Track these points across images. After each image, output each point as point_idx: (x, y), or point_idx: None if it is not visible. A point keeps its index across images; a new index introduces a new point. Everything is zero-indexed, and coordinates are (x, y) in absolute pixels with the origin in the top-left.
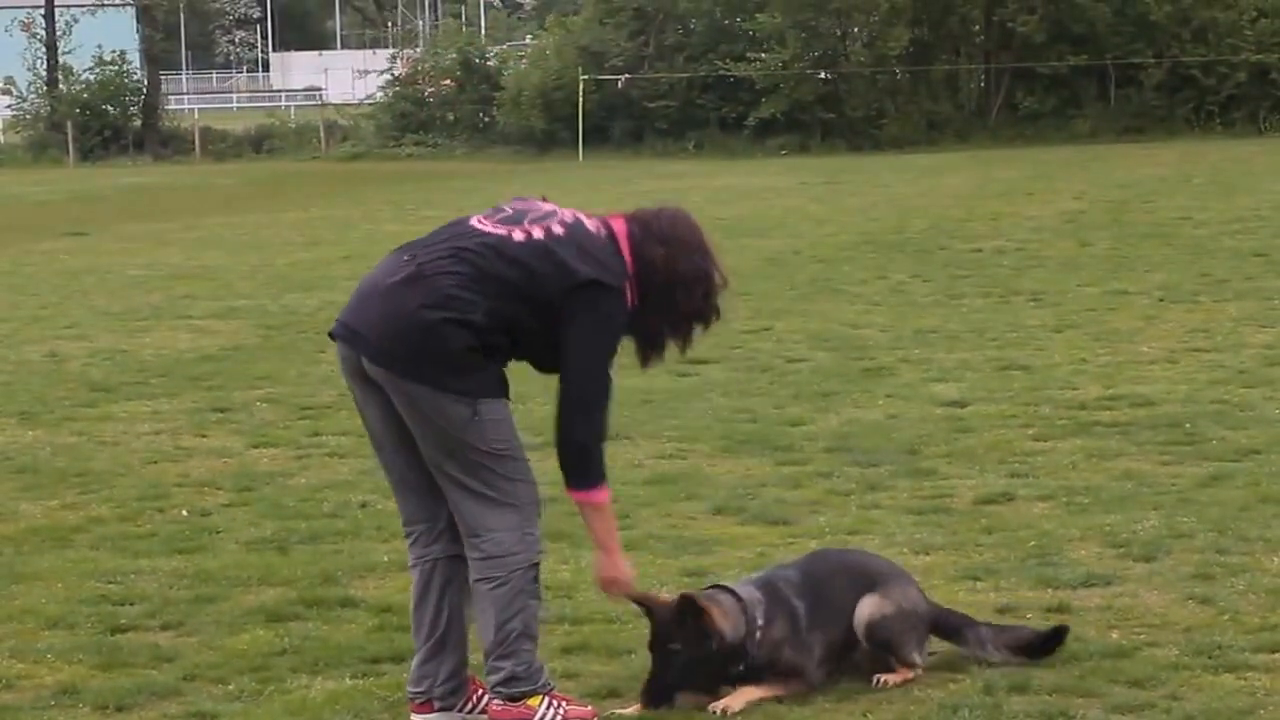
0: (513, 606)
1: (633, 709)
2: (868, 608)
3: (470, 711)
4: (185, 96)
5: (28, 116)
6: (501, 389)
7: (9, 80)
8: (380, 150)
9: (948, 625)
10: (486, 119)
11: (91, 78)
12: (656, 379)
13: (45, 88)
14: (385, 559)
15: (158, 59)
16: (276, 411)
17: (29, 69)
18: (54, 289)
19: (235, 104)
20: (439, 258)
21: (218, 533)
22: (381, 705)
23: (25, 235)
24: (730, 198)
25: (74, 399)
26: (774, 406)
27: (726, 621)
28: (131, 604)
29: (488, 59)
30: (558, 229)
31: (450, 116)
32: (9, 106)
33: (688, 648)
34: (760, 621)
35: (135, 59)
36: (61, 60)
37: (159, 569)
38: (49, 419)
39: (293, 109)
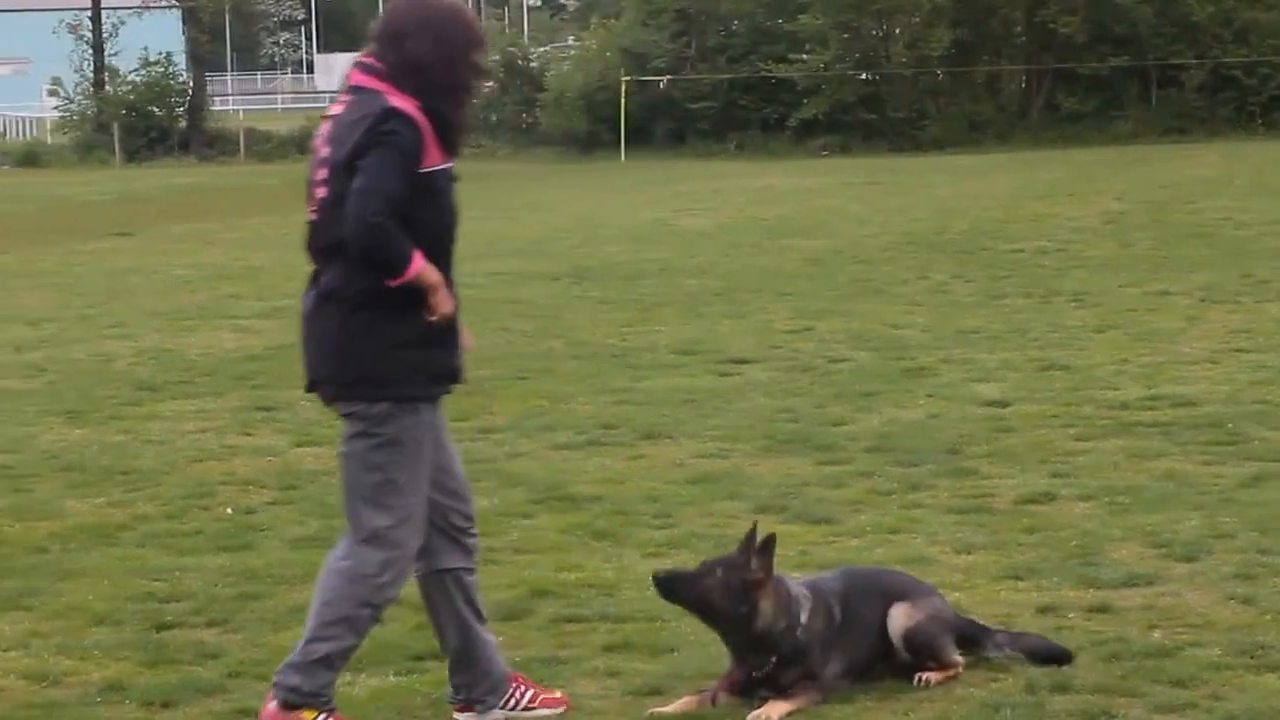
0: (331, 629)
1: (673, 707)
2: (901, 616)
3: (514, 709)
4: (230, 98)
5: (75, 118)
6: None
7: (56, 81)
8: None
9: (968, 636)
10: (529, 120)
11: (138, 79)
12: (699, 379)
13: (92, 89)
14: None
15: (203, 60)
16: (321, 410)
17: (76, 70)
18: (100, 289)
19: (280, 105)
20: None
21: (262, 530)
22: (424, 702)
23: (72, 235)
24: (772, 198)
25: (120, 398)
26: (816, 406)
27: (772, 605)
28: (177, 601)
29: (530, 60)
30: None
31: (493, 118)
32: (56, 108)
33: (726, 577)
34: (803, 619)
35: (181, 60)
36: (108, 62)
37: (204, 566)
38: (96, 418)
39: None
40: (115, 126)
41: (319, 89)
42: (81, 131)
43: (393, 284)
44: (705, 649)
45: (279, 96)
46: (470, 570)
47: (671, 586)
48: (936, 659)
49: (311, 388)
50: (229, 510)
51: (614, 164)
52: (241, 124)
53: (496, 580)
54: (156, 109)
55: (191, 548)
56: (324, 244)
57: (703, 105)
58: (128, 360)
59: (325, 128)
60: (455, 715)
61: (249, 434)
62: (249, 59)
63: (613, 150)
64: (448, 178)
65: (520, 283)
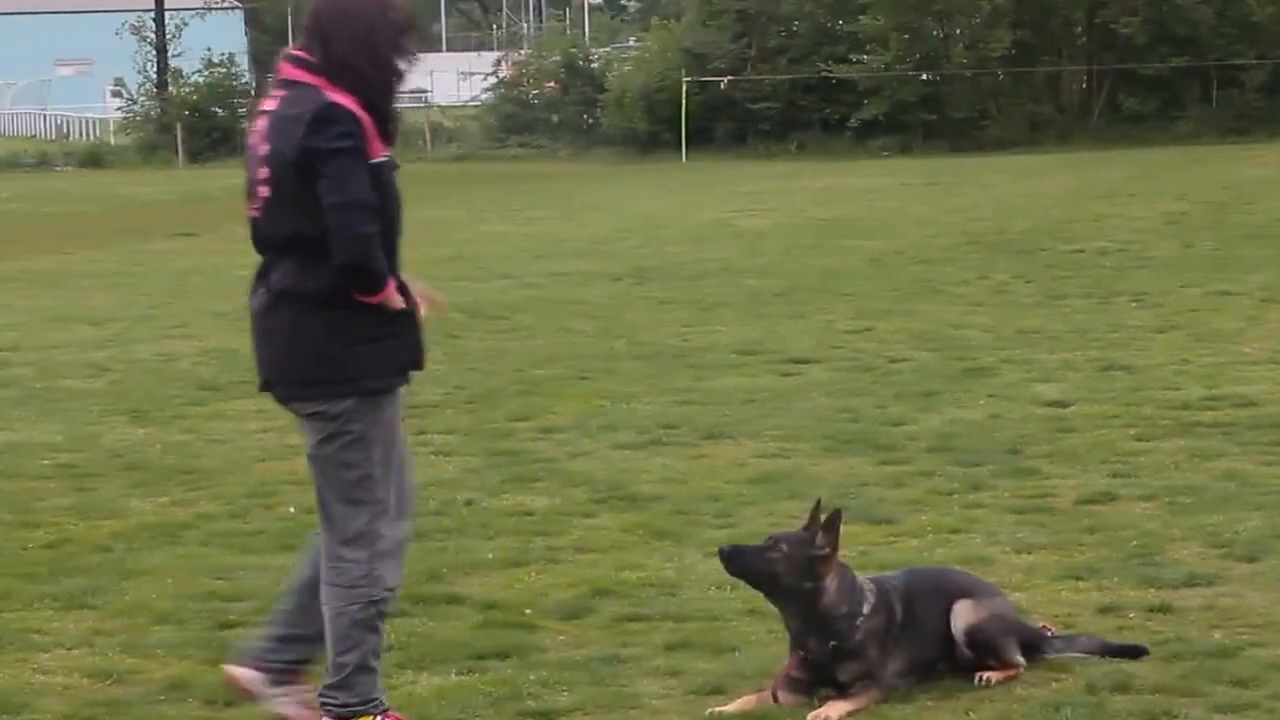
0: (348, 639)
1: (733, 706)
2: (963, 615)
3: (283, 697)
4: None
5: (138, 118)
6: None
7: (119, 82)
8: (485, 151)
9: (1029, 641)
10: (590, 121)
11: (200, 80)
12: (760, 379)
13: (155, 90)
14: (490, 556)
15: (266, 62)
16: None
17: (139, 71)
18: (164, 289)
19: None
20: None
21: None
22: (487, 701)
23: (136, 236)
24: (833, 199)
25: (184, 397)
26: (876, 406)
27: (836, 584)
28: (240, 600)
29: (591, 61)
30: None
31: (554, 118)
32: (120, 108)
33: (791, 551)
34: (865, 610)
35: (243, 62)
36: (171, 63)
37: (267, 565)
38: (159, 417)
39: (398, 111)
40: (178, 127)
41: None
42: (145, 132)
43: (365, 300)
44: (766, 648)
45: None
46: None
47: (737, 560)
48: (998, 658)
49: (266, 388)
50: (291, 509)
51: (675, 164)
52: None
53: (557, 579)
54: (219, 110)
55: (254, 547)
56: (270, 242)
57: (763, 106)
58: (191, 360)
59: (261, 124)
60: (235, 670)
61: None
62: None
63: (673, 151)
64: (391, 168)
65: (582, 283)
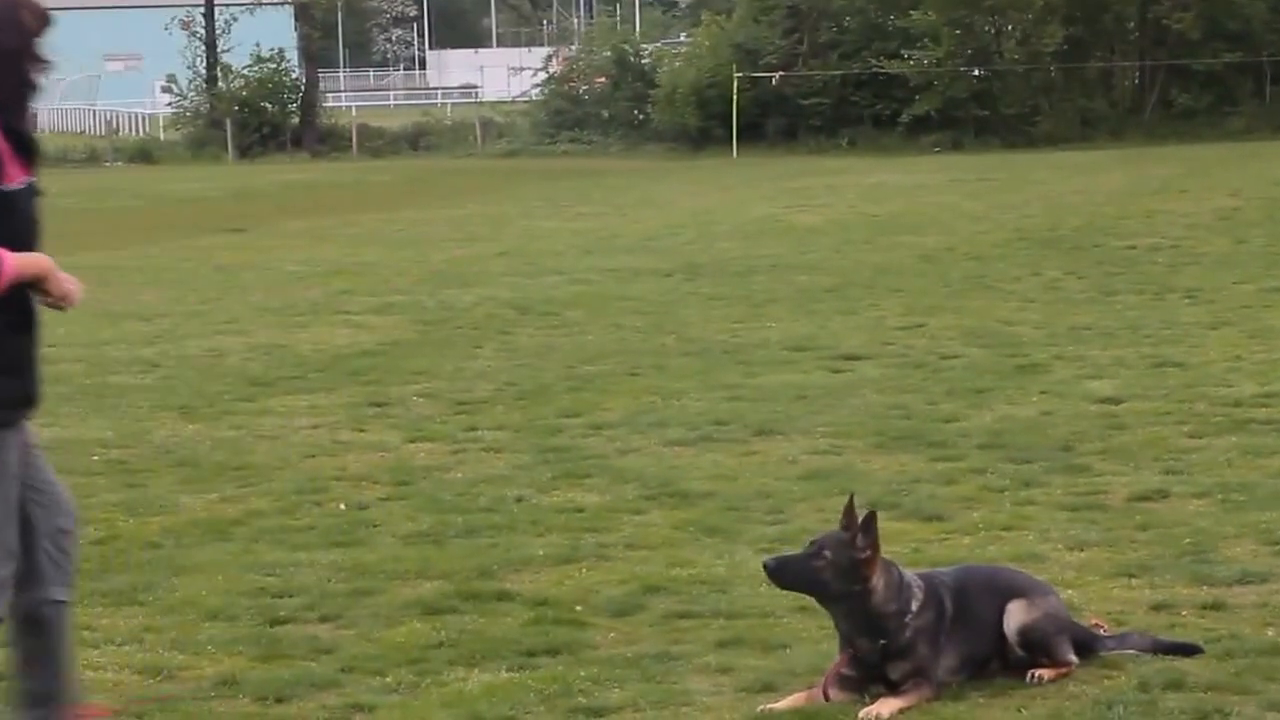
0: None
1: (784, 704)
2: (1017, 614)
3: None
4: (343, 94)
5: (188, 114)
6: None
7: (170, 78)
8: (535, 147)
9: (1081, 640)
10: (641, 116)
11: (250, 75)
12: (811, 375)
13: (205, 85)
14: (541, 553)
15: (315, 57)
16: (433, 406)
17: (189, 67)
18: (213, 285)
19: (392, 101)
20: None
21: (375, 526)
22: (538, 698)
23: (186, 231)
24: (884, 195)
25: (233, 393)
26: (928, 403)
27: (883, 582)
28: (290, 596)
29: (642, 57)
30: None
31: (605, 114)
32: (169, 104)
33: (835, 557)
34: (914, 607)
35: (293, 57)
36: (221, 58)
37: (317, 562)
38: (209, 413)
39: (449, 106)
40: (228, 123)
41: (431, 85)
42: (194, 128)
43: None
44: (817, 645)
45: (391, 93)
46: (69, 604)
47: (784, 573)
48: (1051, 657)
49: None
50: (342, 506)
51: (726, 160)
52: (354, 120)
53: (608, 576)
54: (269, 105)
55: (304, 543)
56: None
57: (814, 101)
58: (241, 356)
59: None
60: None
61: (361, 430)
62: (361, 55)
63: (724, 146)
64: (29, 195)
65: (632, 279)
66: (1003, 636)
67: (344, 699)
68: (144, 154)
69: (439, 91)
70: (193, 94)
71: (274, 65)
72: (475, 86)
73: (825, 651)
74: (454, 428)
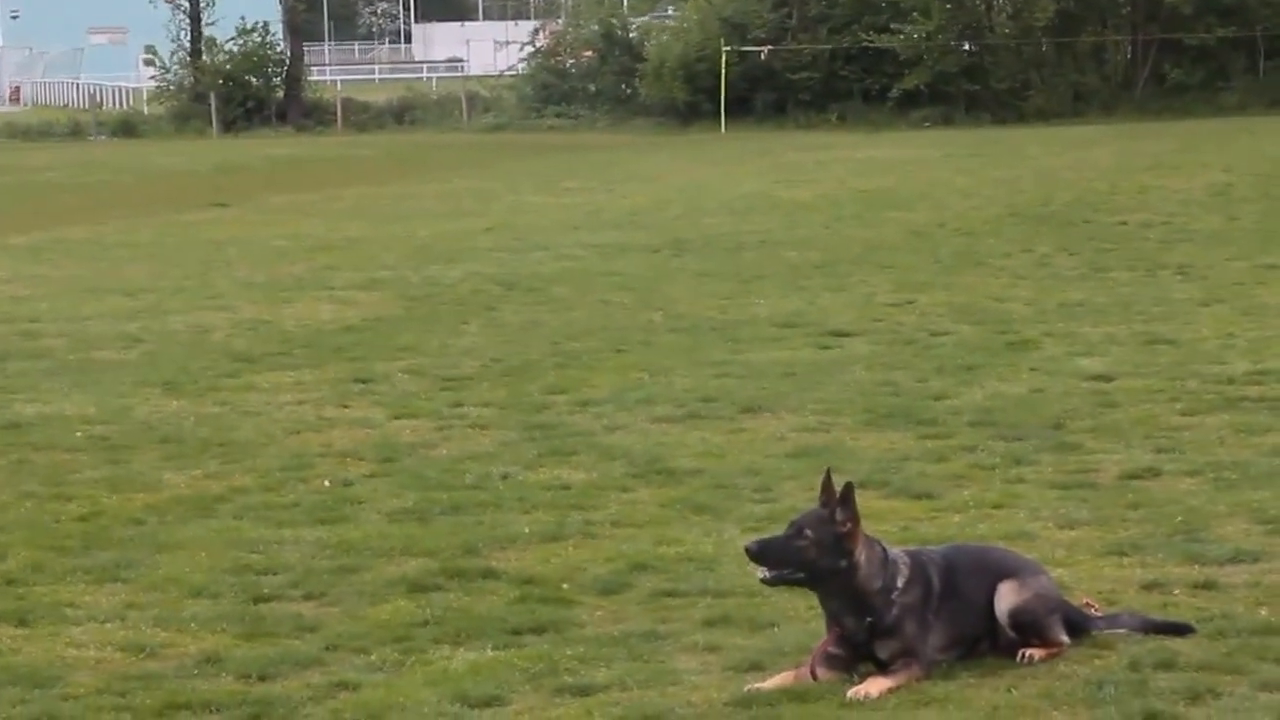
0: None
1: (771, 683)
2: (1008, 595)
3: None
4: (327, 68)
5: (171, 87)
6: None
7: (150, 49)
8: (522, 122)
9: (1073, 620)
10: (628, 91)
11: (234, 49)
12: (799, 352)
13: (189, 59)
14: (526, 530)
15: (300, 30)
16: (419, 382)
17: (172, 40)
18: (197, 260)
19: (377, 75)
20: None
21: (360, 503)
22: (523, 677)
23: (169, 206)
24: (874, 170)
25: (217, 369)
26: (917, 380)
27: (867, 557)
28: (274, 574)
29: (630, 30)
30: None
31: (592, 88)
32: (153, 77)
33: (817, 535)
34: (899, 584)
35: (278, 30)
36: (205, 31)
37: (302, 539)
38: (193, 389)
39: (434, 80)
40: (212, 96)
41: (416, 59)
42: (178, 101)
43: None
44: (805, 624)
45: (376, 67)
46: None
47: (767, 554)
48: (1042, 637)
49: None
50: (326, 483)
51: (714, 135)
52: (339, 94)
53: (595, 554)
54: (254, 79)
55: (289, 520)
56: None
57: (804, 76)
58: (225, 331)
59: None
60: None
61: (346, 406)
62: (346, 29)
63: (712, 121)
64: None
65: (619, 254)
66: (993, 616)
67: (328, 677)
68: (127, 128)
69: (425, 65)
70: (176, 67)
71: (259, 38)
72: (461, 60)
73: (814, 630)
74: (439, 404)
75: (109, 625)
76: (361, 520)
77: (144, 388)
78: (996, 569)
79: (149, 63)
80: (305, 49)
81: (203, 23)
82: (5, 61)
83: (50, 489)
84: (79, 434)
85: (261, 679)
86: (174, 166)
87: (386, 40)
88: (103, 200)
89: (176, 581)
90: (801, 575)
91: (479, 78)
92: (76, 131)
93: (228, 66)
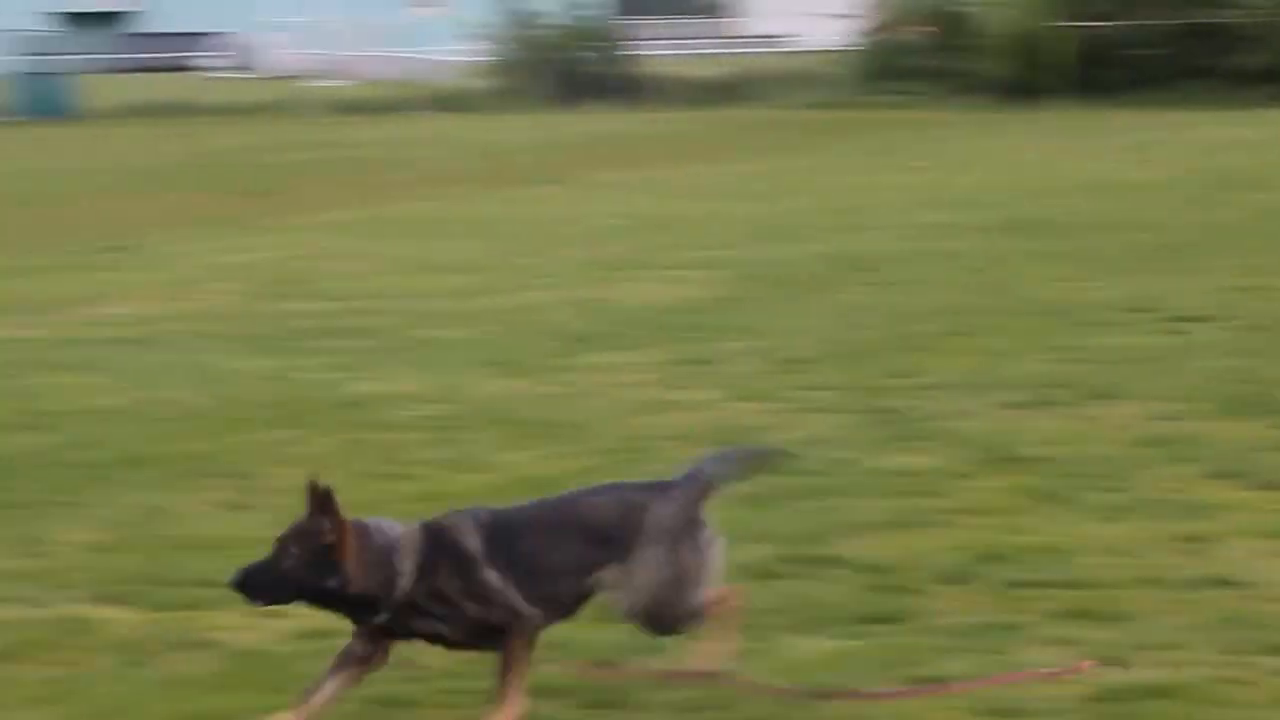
0: None
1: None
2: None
3: None
4: (658, 42)
5: (497, 61)
6: None
7: (479, 24)
8: (854, 98)
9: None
10: (965, 67)
11: (563, 22)
12: (1147, 337)
13: (518, 33)
14: (871, 517)
15: (631, 4)
16: (756, 363)
17: (497, 13)
18: (530, 237)
19: (708, 50)
20: None
21: None
22: (875, 665)
23: (499, 183)
24: (1223, 149)
25: (550, 349)
26: (1273, 367)
27: (355, 566)
28: None
29: (966, 4)
30: None
31: (927, 64)
32: (478, 51)
33: (302, 550)
34: (405, 569)
35: (609, 4)
36: (534, 6)
37: None
38: (526, 368)
39: (766, 55)
40: (539, 71)
41: (748, 33)
42: (504, 76)
43: None
44: (1165, 618)
45: (708, 41)
46: None
47: (253, 586)
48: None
49: None
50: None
51: (1056, 113)
52: (669, 69)
53: (941, 542)
54: (583, 54)
55: None
56: None
57: (1149, 52)
58: (557, 310)
59: None
60: None
61: (683, 387)
62: (677, 2)
63: (1055, 99)
64: None
65: (958, 235)
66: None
67: (666, 663)
68: (451, 102)
69: (758, 39)
70: (503, 41)
71: (589, 13)
72: (794, 35)
73: (1175, 624)
74: (778, 386)
75: None
76: None
77: (476, 366)
78: (583, 523)
79: (476, 36)
80: (635, 23)
81: None
82: (338, 37)
83: (386, 467)
84: (412, 413)
85: (606, 663)
86: (500, 142)
87: (718, 15)
88: (428, 175)
89: None
90: (301, 599)
91: (812, 53)
92: (399, 106)
93: (555, 40)
